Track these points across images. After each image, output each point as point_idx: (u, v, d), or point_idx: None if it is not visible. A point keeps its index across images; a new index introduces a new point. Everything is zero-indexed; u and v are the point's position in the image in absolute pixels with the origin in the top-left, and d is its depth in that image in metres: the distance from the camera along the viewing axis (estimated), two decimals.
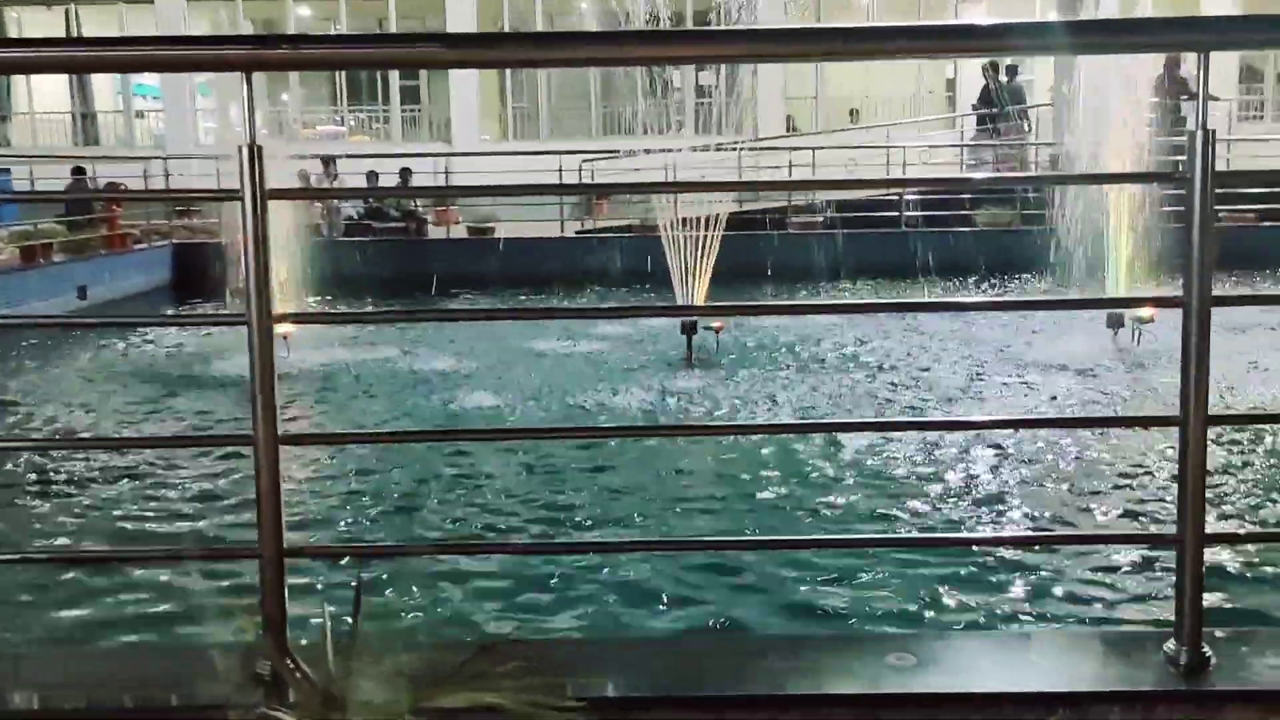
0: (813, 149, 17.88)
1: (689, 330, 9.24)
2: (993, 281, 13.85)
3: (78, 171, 17.58)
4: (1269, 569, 3.96)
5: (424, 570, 4.13)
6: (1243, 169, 16.56)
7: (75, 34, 23.43)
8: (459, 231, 16.82)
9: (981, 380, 8.17)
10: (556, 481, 5.68)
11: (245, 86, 1.86)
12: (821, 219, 15.86)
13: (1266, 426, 5.94)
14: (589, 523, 5.05)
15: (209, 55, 1.94)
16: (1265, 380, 7.75)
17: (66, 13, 23.49)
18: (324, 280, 11.16)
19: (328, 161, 17.65)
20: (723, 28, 13.62)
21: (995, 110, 18.55)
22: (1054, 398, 7.41)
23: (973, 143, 19.36)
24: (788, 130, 23.06)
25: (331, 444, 6.25)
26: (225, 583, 3.78)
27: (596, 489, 5.57)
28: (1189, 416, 2.25)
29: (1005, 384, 8.03)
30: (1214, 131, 2.17)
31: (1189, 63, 17.88)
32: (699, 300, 9.75)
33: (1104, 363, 8.47)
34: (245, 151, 1.85)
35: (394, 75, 22.59)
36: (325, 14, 23.54)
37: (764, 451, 5.99)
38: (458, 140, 22.44)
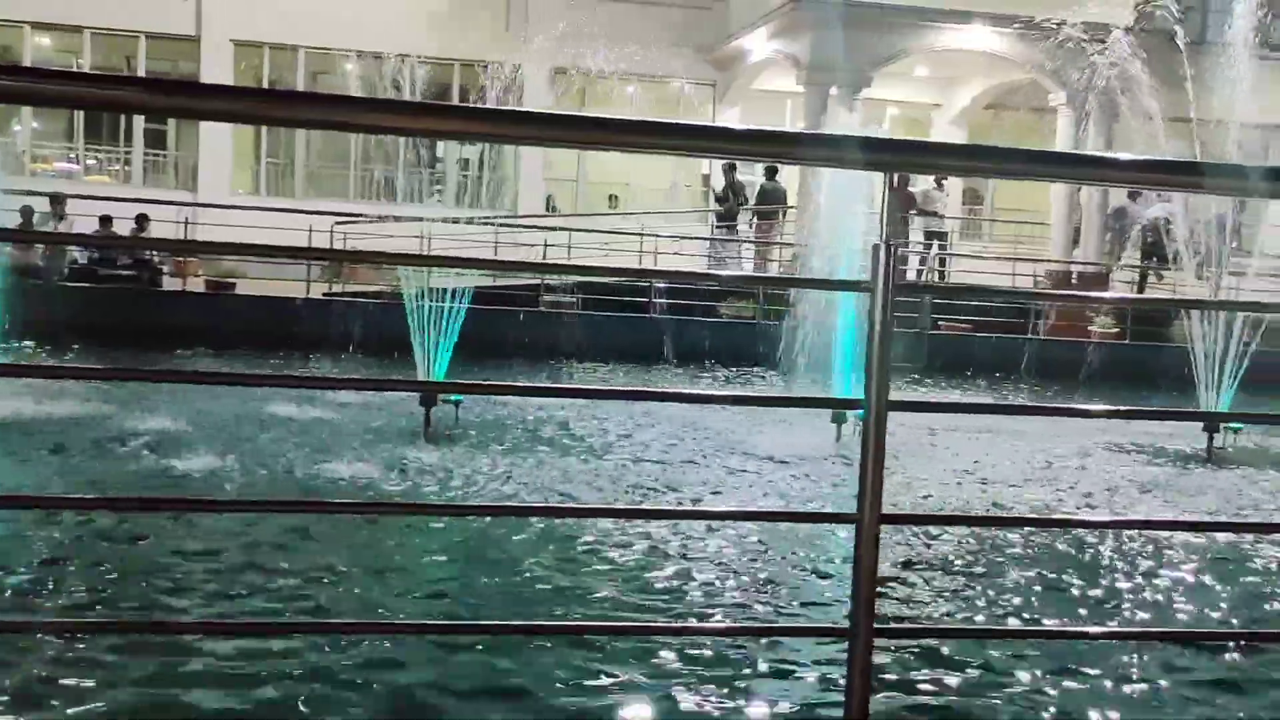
0: (569, 230, 18.20)
1: (428, 403, 9.10)
2: (729, 370, 14.35)
3: None
4: (938, 665, 4.18)
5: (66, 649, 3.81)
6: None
7: None
8: (197, 284, 16.06)
9: (706, 468, 8.37)
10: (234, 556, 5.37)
11: None
12: (573, 299, 16.06)
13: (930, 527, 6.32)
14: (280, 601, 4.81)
15: None
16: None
17: None
18: (38, 327, 10.39)
19: (56, 200, 16.55)
20: (486, 106, 13.75)
21: (726, 207, 19.48)
22: (759, 487, 7.69)
23: (726, 238, 20.20)
24: (547, 210, 23.39)
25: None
26: None
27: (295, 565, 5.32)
28: (864, 514, 2.35)
29: (725, 471, 8.25)
30: (894, 246, 2.32)
31: (921, 182, 19.40)
32: (441, 373, 9.65)
33: (821, 456, 8.85)
34: None
35: (138, 116, 21.48)
36: (68, 46, 22.26)
37: (494, 531, 5.92)
38: (205, 190, 21.57)
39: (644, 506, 7.00)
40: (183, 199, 20.24)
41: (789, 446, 9.00)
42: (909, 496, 7.45)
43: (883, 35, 19.56)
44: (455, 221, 12.72)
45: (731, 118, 24.32)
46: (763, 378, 13.39)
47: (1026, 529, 6.45)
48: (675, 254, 19.07)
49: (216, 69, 21.94)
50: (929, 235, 19.93)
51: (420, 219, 13.89)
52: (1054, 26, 16.49)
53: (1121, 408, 3.87)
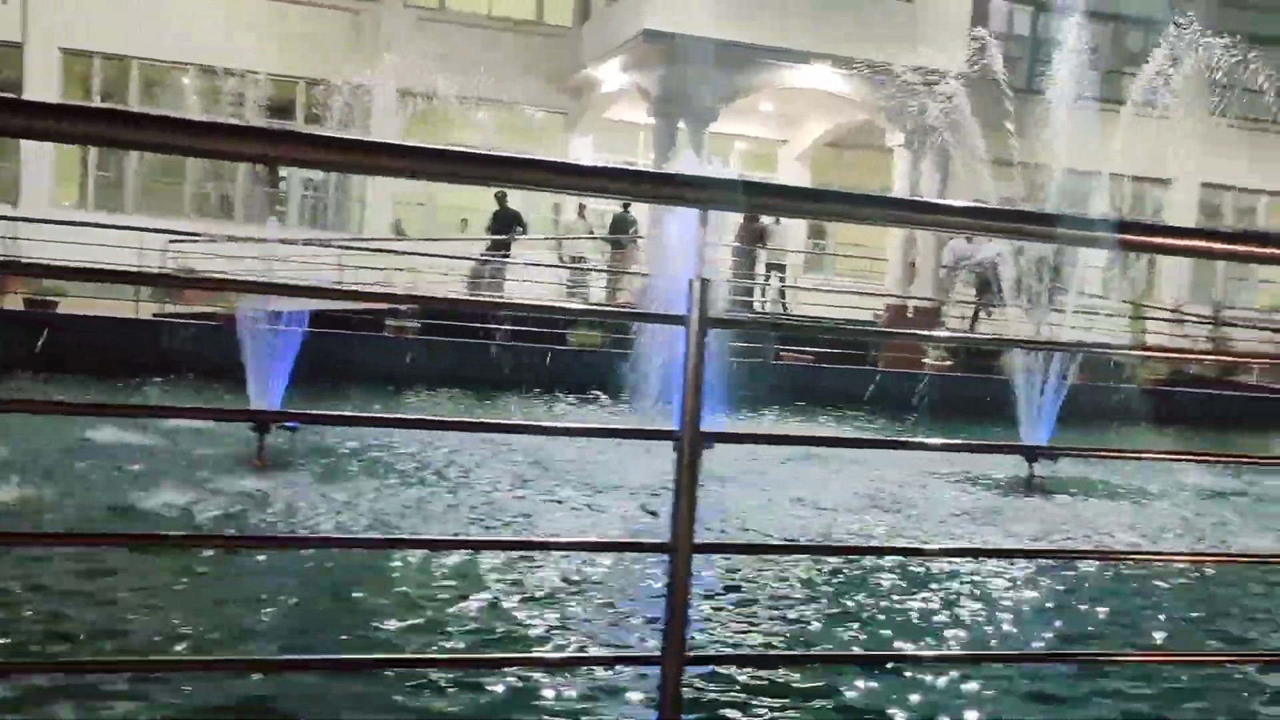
0: (415, 254, 17.97)
1: (261, 429, 8.83)
2: (574, 399, 14.34)
3: None
4: (745, 692, 4.26)
5: None
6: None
7: None
8: (15, 303, 15.27)
9: (544, 497, 8.32)
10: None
11: None
12: (418, 325, 15.85)
13: (749, 556, 6.44)
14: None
15: None
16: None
17: None
18: None
19: None
20: (329, 133, 13.56)
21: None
22: (597, 516, 7.72)
23: (597, 267, 20.31)
24: (395, 234, 23.06)
25: None
26: None
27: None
28: (677, 543, 2.38)
29: (560, 501, 8.23)
30: (708, 280, 2.36)
31: (761, 217, 19.83)
32: (277, 400, 9.41)
33: (662, 486, 8.91)
34: None
35: None
36: None
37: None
38: (26, 203, 20.58)
39: (459, 537, 6.92)
40: (2, 212, 19.25)
41: (633, 474, 9.03)
42: (734, 524, 7.56)
43: (728, 72, 19.99)
44: (296, 243, 12.44)
45: (584, 147, 24.46)
46: (605, 406, 13.42)
47: (844, 557, 6.61)
48: (525, 281, 19.04)
49: (42, 79, 21.00)
50: (768, 268, 20.56)
51: (260, 239, 13.55)
52: (890, 70, 17.14)
53: (938, 441, 4.02)
